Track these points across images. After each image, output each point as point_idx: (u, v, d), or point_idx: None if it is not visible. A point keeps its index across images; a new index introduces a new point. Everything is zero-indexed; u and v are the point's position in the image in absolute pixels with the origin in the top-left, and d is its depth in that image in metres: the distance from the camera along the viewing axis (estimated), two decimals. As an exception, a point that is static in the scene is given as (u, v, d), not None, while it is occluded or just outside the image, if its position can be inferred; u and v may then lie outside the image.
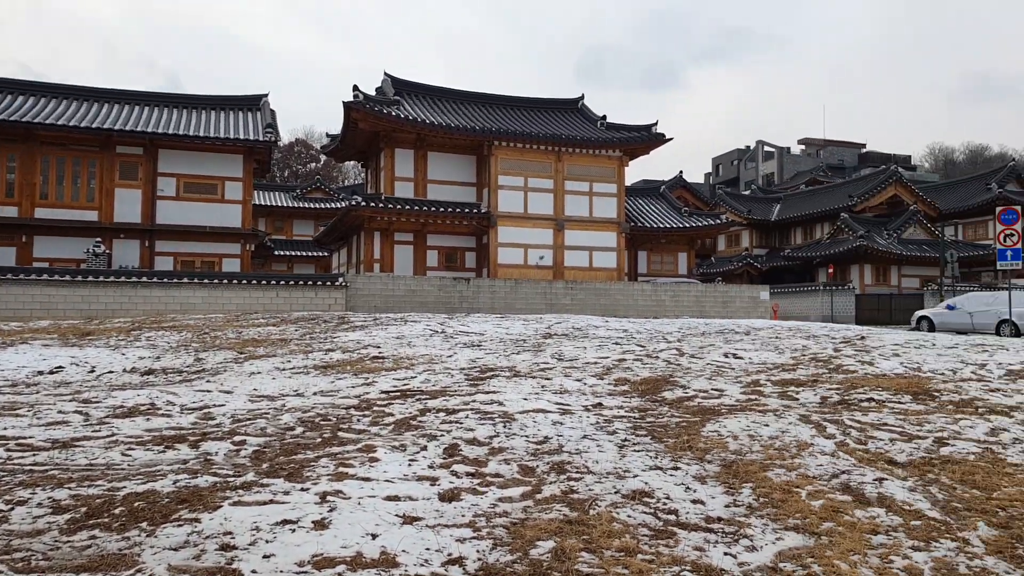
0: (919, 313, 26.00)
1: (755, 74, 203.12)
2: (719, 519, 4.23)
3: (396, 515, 4.21)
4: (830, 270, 43.72)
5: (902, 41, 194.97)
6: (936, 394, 7.74)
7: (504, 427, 6.41)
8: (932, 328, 23.93)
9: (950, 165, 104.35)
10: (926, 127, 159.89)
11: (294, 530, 3.94)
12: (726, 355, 11.42)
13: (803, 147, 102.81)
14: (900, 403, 7.37)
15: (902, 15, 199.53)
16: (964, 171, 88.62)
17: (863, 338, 13.72)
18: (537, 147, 30.67)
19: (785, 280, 47.60)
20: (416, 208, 28.74)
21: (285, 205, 47.23)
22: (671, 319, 23.07)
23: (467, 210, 29.61)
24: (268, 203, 46.48)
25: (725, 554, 3.73)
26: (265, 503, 4.36)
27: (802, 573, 3.50)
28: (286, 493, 4.56)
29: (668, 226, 36.07)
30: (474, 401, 7.50)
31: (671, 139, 32.51)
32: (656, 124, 32.95)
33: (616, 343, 13.16)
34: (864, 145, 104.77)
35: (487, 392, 8.07)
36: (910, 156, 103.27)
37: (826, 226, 48.50)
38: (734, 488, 4.78)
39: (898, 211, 48.05)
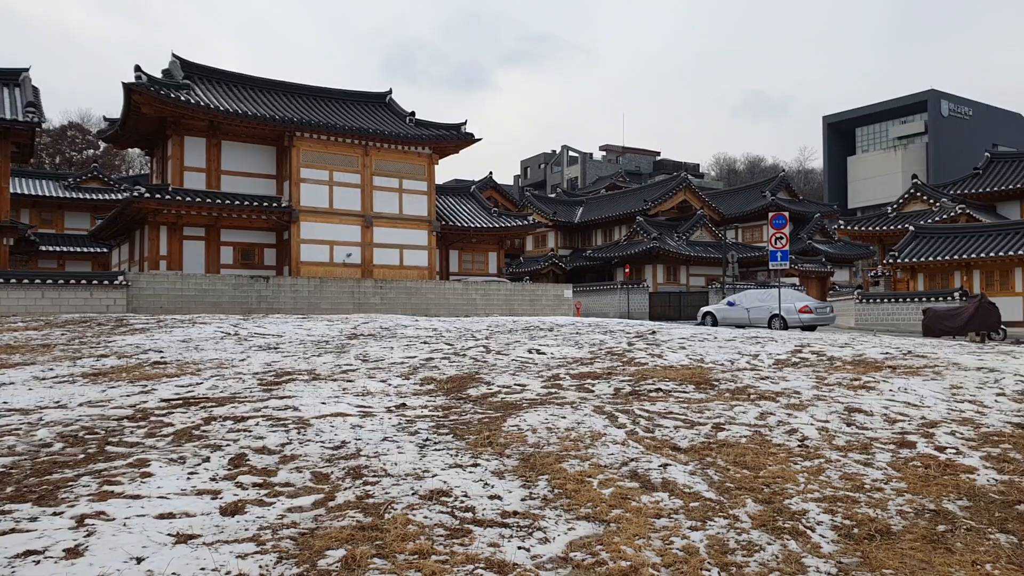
0: (704, 309, 28.36)
1: (561, 80, 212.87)
2: (515, 513, 4.24)
3: (168, 534, 3.80)
4: (627, 270, 46.63)
5: (692, 58, 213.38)
6: (716, 383, 8.39)
7: (298, 433, 6.06)
8: (715, 323, 26.21)
9: (732, 174, 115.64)
10: (713, 138, 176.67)
11: (39, 562, 3.41)
12: (530, 351, 11.70)
13: (604, 153, 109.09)
14: (684, 392, 7.90)
15: (692, 33, 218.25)
16: (744, 179, 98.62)
17: (654, 333, 14.67)
18: (343, 140, 29.80)
19: (587, 279, 50.19)
20: (208, 201, 26.75)
21: (55, 195, 42.19)
22: (482, 317, 23.40)
23: (266, 204, 28.11)
24: (33, 192, 41.26)
25: (519, 548, 3.72)
26: (5, 533, 3.76)
27: (591, 561, 3.57)
28: (33, 520, 3.97)
29: (479, 226, 36.62)
30: (266, 407, 7.03)
31: (480, 139, 32.99)
32: (465, 123, 33.26)
33: (425, 342, 13.05)
34: (659, 153, 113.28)
35: (282, 397, 7.61)
36: (699, 164, 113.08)
37: (624, 228, 51.69)
38: (531, 481, 4.83)
39: (687, 215, 52.29)
